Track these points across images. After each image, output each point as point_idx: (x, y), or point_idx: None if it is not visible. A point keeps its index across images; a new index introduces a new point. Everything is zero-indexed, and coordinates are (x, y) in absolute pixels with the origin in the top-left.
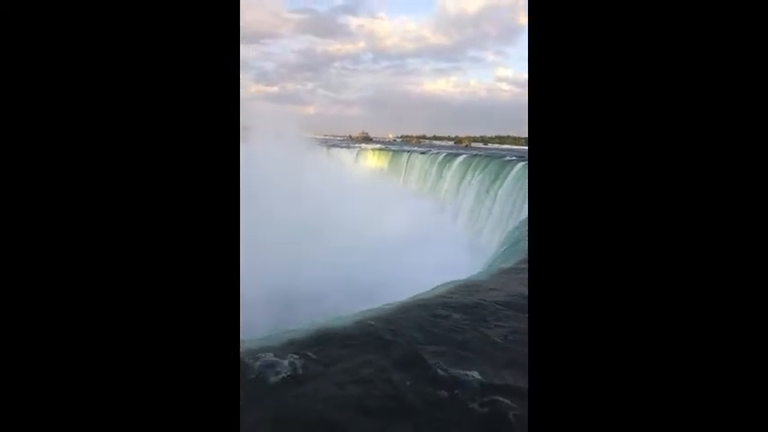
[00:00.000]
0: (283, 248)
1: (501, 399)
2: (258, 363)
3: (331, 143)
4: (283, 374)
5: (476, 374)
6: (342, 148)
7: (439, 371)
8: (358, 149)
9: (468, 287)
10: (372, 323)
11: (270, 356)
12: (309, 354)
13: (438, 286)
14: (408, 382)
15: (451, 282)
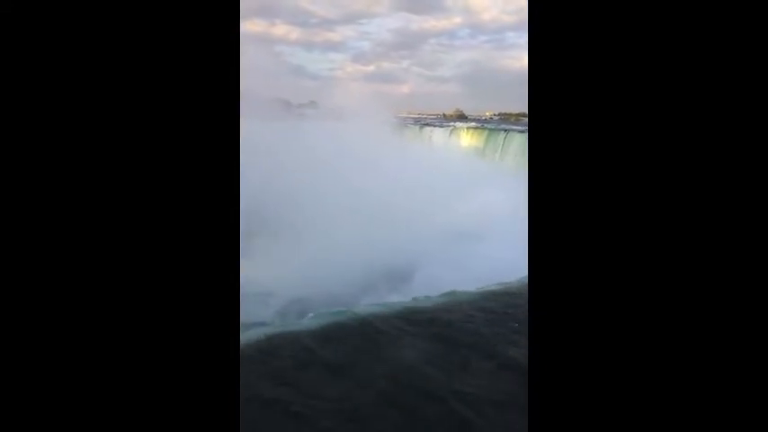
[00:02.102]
0: (376, 226)
1: None
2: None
3: (424, 122)
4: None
5: None
6: (435, 126)
7: None
8: (452, 128)
9: None
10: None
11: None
12: None
13: None
14: None
15: None
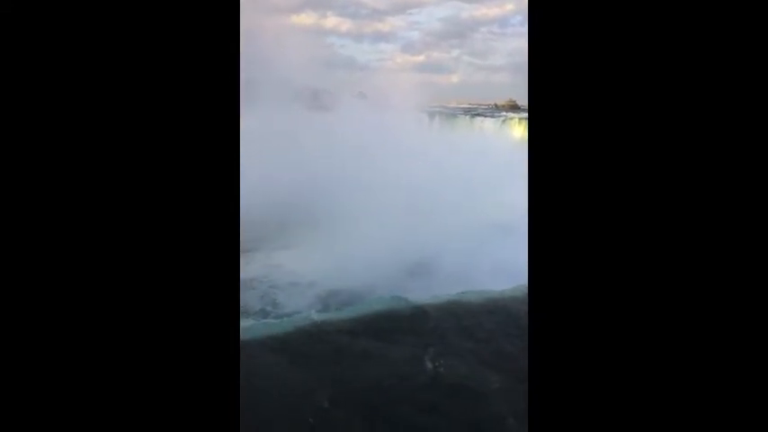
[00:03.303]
0: (418, 218)
1: None
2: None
3: (474, 112)
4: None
5: None
6: (486, 117)
7: None
8: (503, 118)
9: None
10: None
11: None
12: None
13: None
14: None
15: None
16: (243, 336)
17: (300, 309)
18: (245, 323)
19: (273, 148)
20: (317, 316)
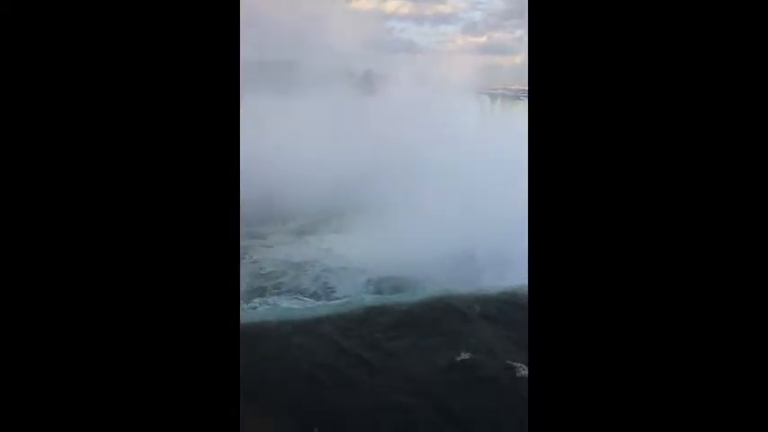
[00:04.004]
0: (469, 205)
1: None
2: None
3: None
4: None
5: None
6: None
7: None
8: None
9: None
10: None
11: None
12: None
13: None
14: None
15: None
16: (299, 315)
17: (351, 293)
18: (301, 304)
19: (329, 134)
20: (368, 300)
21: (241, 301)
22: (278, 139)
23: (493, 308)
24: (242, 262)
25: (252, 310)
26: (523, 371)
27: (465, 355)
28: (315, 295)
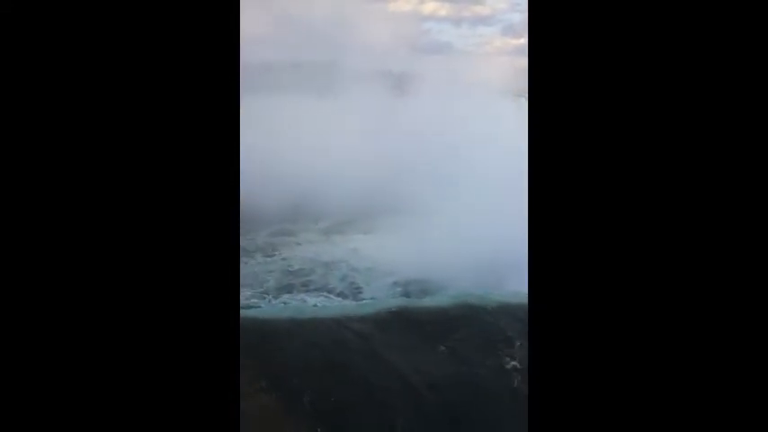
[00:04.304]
0: (502, 210)
1: None
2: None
3: None
4: None
5: None
6: None
7: None
8: None
9: None
10: None
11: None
12: None
13: None
14: None
15: None
16: (325, 313)
17: (378, 294)
18: (328, 302)
19: (364, 134)
20: (396, 302)
21: (270, 297)
22: (313, 138)
23: (522, 313)
24: (272, 259)
25: (280, 306)
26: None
27: (513, 363)
28: (342, 294)
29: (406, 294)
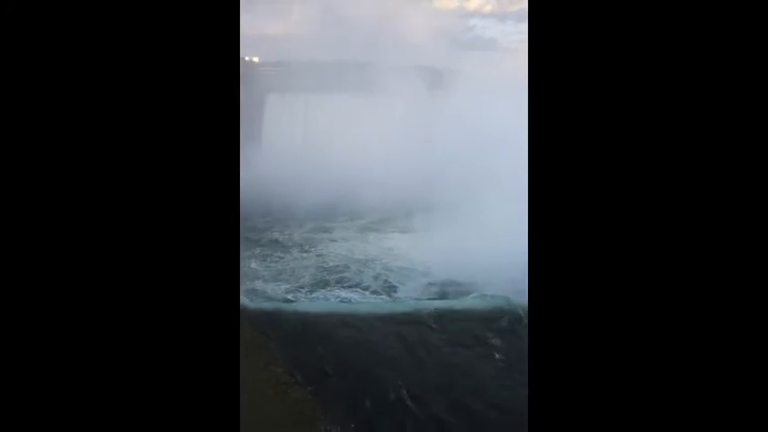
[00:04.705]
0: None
1: None
2: None
3: None
4: None
5: None
6: None
7: None
8: None
9: None
10: None
11: None
12: None
13: None
14: None
15: None
16: (358, 309)
17: (412, 294)
18: (361, 299)
19: (407, 132)
20: (430, 303)
21: (305, 291)
22: (355, 136)
23: None
24: (308, 255)
25: (314, 302)
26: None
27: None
28: (375, 292)
29: (443, 295)
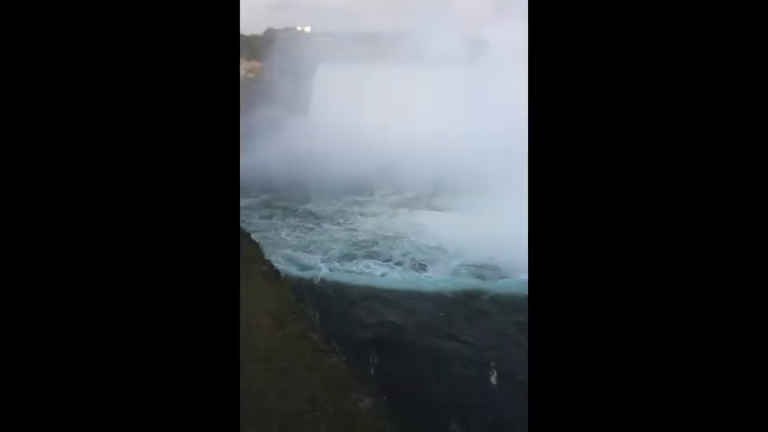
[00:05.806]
0: None
1: None
2: None
3: None
4: None
5: None
6: None
7: None
8: None
9: None
10: None
11: None
12: None
13: None
14: None
15: None
16: (384, 283)
17: (442, 273)
18: (388, 275)
19: (455, 108)
20: (463, 284)
21: (336, 262)
22: (398, 110)
23: None
24: (338, 228)
25: (343, 273)
26: None
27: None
28: (404, 270)
29: (476, 275)
